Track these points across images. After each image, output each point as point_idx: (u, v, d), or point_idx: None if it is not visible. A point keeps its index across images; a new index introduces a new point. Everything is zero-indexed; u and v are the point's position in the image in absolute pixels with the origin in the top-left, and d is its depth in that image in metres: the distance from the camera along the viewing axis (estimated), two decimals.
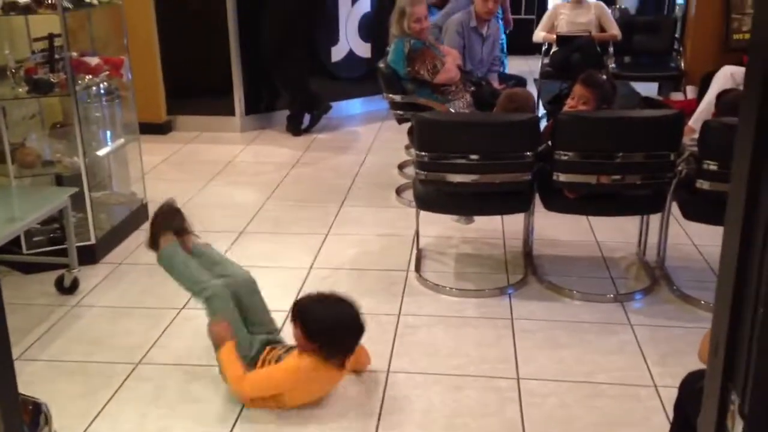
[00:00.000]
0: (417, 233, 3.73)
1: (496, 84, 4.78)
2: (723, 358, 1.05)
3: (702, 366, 1.79)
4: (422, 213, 3.58)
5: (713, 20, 5.92)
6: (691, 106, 5.20)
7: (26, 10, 3.36)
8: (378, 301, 3.24)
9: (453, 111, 4.28)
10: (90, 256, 3.54)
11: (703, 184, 3.03)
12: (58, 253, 3.39)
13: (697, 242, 3.80)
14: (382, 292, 3.32)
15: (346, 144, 5.86)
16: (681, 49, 6.28)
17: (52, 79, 3.42)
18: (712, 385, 1.06)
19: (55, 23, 3.41)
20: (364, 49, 6.61)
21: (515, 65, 8.09)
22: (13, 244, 3.33)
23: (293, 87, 6.07)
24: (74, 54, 3.54)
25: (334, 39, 6.44)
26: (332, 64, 6.49)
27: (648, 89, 6.54)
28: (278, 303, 3.16)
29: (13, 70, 3.42)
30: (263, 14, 5.86)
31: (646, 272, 3.50)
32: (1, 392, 1.06)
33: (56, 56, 3.50)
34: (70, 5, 3.45)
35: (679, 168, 3.20)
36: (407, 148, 5.14)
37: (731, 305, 1.06)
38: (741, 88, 3.90)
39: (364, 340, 2.64)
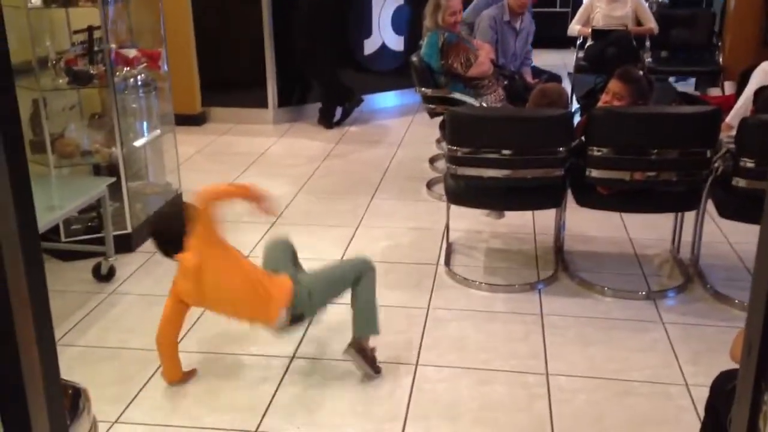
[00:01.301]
0: (447, 227, 3.73)
1: (529, 78, 4.74)
2: (756, 358, 1.04)
3: (734, 365, 1.77)
4: (453, 207, 3.58)
5: (753, 15, 5.81)
6: (728, 102, 5.10)
7: (67, 2, 3.43)
8: (408, 294, 3.26)
9: (485, 105, 4.27)
10: (126, 244, 3.61)
11: (739, 182, 2.98)
12: (95, 241, 3.47)
13: (732, 240, 3.74)
14: (412, 286, 3.34)
15: (377, 137, 5.87)
16: (719, 44, 6.17)
17: (91, 71, 3.50)
18: (745, 386, 1.05)
19: (94, 16, 3.47)
20: (396, 42, 6.60)
21: (549, 59, 8.01)
22: (52, 232, 3.42)
23: (325, 80, 6.10)
24: (113, 46, 3.60)
25: (366, 32, 6.44)
26: (364, 57, 6.49)
27: (685, 85, 6.45)
28: None
29: (54, 62, 3.49)
30: (296, 8, 5.89)
31: (679, 270, 3.46)
32: (45, 377, 1.10)
33: (95, 48, 3.57)
34: None
35: (715, 165, 3.15)
36: (438, 141, 5.13)
37: (766, 306, 1.05)
38: None
39: (393, 332, 2.66)
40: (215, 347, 2.82)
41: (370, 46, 6.50)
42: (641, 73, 3.70)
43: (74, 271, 3.43)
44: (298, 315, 2.55)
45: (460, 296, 3.25)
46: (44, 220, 2.86)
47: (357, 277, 2.62)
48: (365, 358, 2.58)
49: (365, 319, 2.61)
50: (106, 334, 2.93)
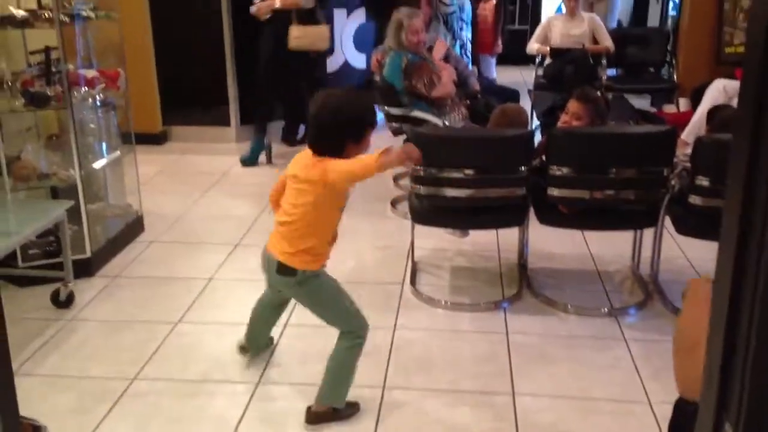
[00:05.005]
0: (412, 246, 3.74)
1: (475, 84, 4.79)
2: (717, 387, 1.07)
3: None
4: (417, 225, 3.59)
5: (705, 33, 5.98)
6: (684, 119, 5.24)
7: (23, 24, 3.37)
8: (374, 314, 3.22)
9: (448, 124, 4.31)
10: (85, 269, 3.54)
11: (696, 200, 3.05)
12: (54, 266, 3.39)
13: (689, 256, 3.82)
14: (377, 306, 3.33)
15: None
16: (673, 61, 6.33)
17: (48, 92, 3.43)
18: (706, 415, 1.07)
19: (51, 36, 3.42)
20: (359, 60, 6.63)
21: (510, 76, 8.14)
22: (9, 258, 3.32)
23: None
24: (71, 67, 3.54)
25: (328, 50, 6.45)
26: (327, 75, 6.50)
27: (641, 102, 6.60)
28: None
29: (10, 83, 3.42)
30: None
31: (639, 286, 3.52)
32: (3, 416, 1.07)
33: (53, 69, 3.50)
34: (66, 19, 3.45)
35: (672, 183, 3.23)
36: None
37: (725, 335, 1.07)
38: (733, 101, 3.99)
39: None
40: (178, 374, 2.78)
41: (332, 64, 6.51)
42: (598, 92, 3.77)
43: (32, 298, 3.34)
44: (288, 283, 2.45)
45: (426, 316, 3.26)
46: (1, 246, 2.79)
47: (349, 331, 2.50)
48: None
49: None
50: (66, 363, 2.86)
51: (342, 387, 2.49)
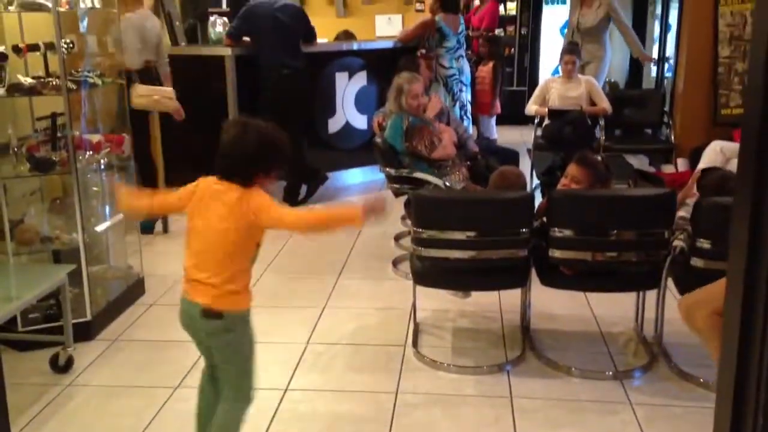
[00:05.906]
0: (414, 307, 3.73)
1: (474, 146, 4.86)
2: None
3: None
4: (419, 286, 3.58)
5: (701, 95, 6.07)
6: (682, 179, 5.27)
7: (30, 91, 3.43)
8: (376, 378, 3.22)
9: (449, 184, 4.34)
10: (85, 332, 3.51)
11: (697, 262, 3.05)
12: (54, 330, 3.37)
13: None
14: (379, 369, 3.30)
15: None
16: (670, 122, 6.41)
17: (53, 158, 3.47)
18: None
19: (58, 102, 3.48)
20: (360, 121, 6.73)
21: (509, 136, 8.25)
22: (9, 322, 3.31)
23: (290, 158, 6.14)
24: (76, 133, 3.59)
25: (330, 111, 6.56)
26: (329, 135, 6.59)
27: (638, 161, 6.66)
28: (274, 381, 3.14)
29: (15, 149, 3.46)
30: (262, 88, 5.98)
31: (644, 348, 3.48)
32: None
33: (58, 134, 3.55)
34: (73, 86, 3.52)
35: (674, 244, 3.23)
36: (403, 218, 5.18)
37: (733, 406, 1.07)
38: (731, 162, 3.99)
39: (361, 420, 2.60)
40: None
41: (334, 125, 6.61)
42: (599, 156, 3.82)
43: (31, 362, 3.31)
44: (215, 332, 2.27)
45: (429, 379, 3.22)
46: (1, 312, 2.78)
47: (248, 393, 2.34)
48: None
49: None
50: (64, 430, 2.81)
51: None
